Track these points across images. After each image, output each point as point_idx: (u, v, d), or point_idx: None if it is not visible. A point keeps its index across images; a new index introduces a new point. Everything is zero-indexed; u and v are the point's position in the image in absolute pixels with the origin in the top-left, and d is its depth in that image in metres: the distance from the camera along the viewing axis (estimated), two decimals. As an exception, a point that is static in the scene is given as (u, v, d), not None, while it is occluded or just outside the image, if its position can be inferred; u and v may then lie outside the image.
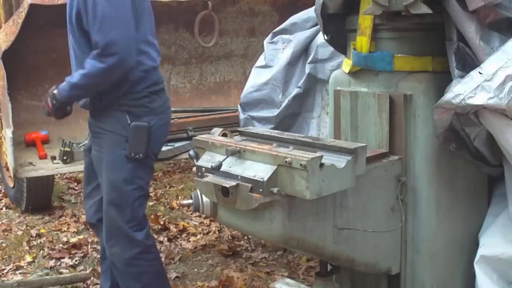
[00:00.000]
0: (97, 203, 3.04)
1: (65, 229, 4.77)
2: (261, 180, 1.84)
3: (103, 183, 2.89)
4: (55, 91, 2.85)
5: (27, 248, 4.43)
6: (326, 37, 2.46)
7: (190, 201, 2.11)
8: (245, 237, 4.28)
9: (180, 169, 6.47)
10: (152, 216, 4.71)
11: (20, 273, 4.04)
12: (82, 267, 4.06)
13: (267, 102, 3.57)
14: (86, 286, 3.73)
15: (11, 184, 5.27)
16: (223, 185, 1.90)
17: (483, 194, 2.39)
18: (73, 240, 4.47)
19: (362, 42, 2.22)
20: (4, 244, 4.53)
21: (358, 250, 2.15)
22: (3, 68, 3.95)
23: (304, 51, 3.53)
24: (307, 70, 3.46)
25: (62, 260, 4.16)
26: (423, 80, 2.18)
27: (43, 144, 4.22)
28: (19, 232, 4.76)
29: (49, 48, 4.25)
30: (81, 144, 4.08)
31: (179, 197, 5.47)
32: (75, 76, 2.76)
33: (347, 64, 2.37)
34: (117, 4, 2.64)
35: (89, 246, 4.36)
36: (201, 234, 4.56)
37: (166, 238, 4.46)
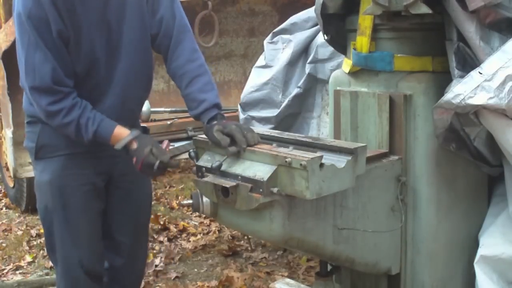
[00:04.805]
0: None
1: (65, 229, 4.77)
2: (261, 180, 1.84)
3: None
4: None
5: (27, 248, 4.43)
6: (326, 37, 2.46)
7: (190, 201, 2.10)
8: (245, 237, 4.28)
9: (180, 169, 6.46)
10: (152, 216, 4.69)
11: (20, 273, 4.04)
12: (82, 267, 4.06)
13: (267, 102, 3.57)
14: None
15: (11, 184, 5.27)
16: (223, 185, 1.90)
17: (483, 194, 2.39)
18: (73, 240, 4.46)
19: (362, 42, 2.22)
20: (4, 244, 4.53)
21: (358, 250, 2.14)
22: (3, 68, 3.95)
23: (304, 51, 3.53)
24: (307, 70, 3.46)
25: (62, 260, 4.15)
26: (423, 80, 2.18)
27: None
28: (19, 232, 4.76)
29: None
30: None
31: (179, 197, 5.46)
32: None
33: (347, 64, 2.37)
34: None
35: (89, 246, 4.36)
36: (201, 234, 4.55)
37: (166, 238, 4.46)
